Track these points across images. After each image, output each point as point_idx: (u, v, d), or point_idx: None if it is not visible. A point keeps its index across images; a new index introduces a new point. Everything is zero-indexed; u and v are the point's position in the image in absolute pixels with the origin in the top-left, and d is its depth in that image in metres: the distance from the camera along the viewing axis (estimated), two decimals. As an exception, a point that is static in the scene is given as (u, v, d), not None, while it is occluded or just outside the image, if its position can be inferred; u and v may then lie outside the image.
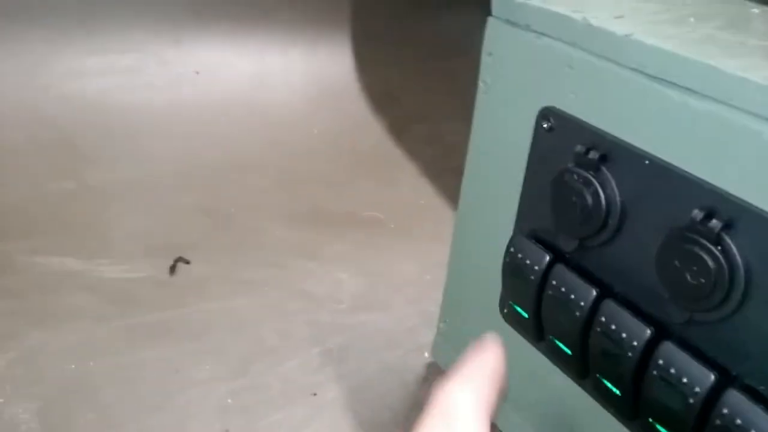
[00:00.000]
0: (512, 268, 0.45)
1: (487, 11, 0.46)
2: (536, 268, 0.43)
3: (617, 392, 0.39)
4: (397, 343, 0.62)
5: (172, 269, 0.67)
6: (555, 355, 0.44)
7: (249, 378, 0.56)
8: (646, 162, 0.37)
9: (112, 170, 0.78)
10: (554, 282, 0.42)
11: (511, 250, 0.45)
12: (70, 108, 0.80)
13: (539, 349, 0.46)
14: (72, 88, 0.81)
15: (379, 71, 0.94)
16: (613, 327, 0.38)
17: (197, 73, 0.86)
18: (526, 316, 0.46)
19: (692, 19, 0.42)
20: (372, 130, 0.90)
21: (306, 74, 0.92)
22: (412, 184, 0.83)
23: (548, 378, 0.46)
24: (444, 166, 0.85)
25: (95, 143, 0.79)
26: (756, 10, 0.46)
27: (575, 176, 0.40)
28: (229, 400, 0.54)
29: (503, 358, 0.31)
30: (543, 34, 0.42)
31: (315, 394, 0.56)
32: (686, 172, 0.35)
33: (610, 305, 0.39)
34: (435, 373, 0.59)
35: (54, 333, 0.58)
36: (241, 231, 0.75)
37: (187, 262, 0.68)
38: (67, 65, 0.83)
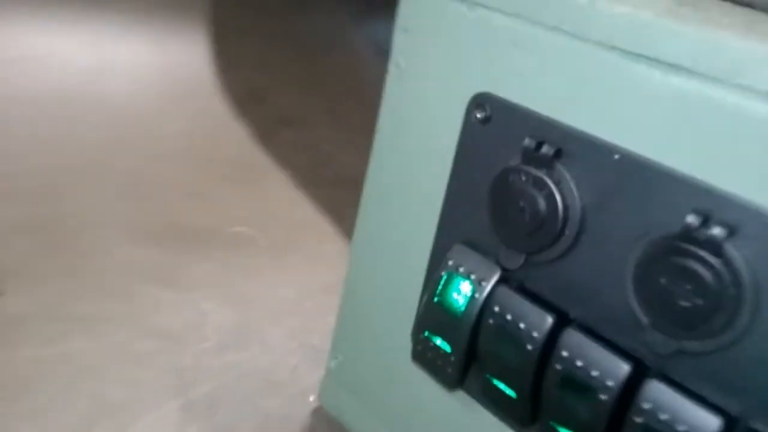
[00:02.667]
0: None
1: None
2: (471, 291, 0.35)
3: (581, 445, 0.31)
4: (277, 387, 0.51)
5: (-19, 305, 0.52)
6: (490, 399, 0.36)
7: (89, 445, 0.44)
8: (616, 157, 0.30)
9: None
10: (496, 308, 0.34)
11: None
12: None
13: (467, 392, 0.38)
14: None
15: (241, 70, 0.84)
16: (579, 363, 0.31)
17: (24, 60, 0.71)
18: (448, 350, 0.37)
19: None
20: (235, 133, 0.78)
21: (154, 66, 0.79)
22: (284, 196, 0.73)
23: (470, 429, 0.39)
24: (320, 176, 0.76)
25: None
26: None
27: (523, 176, 0.33)
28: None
29: None
30: (477, 3, 0.35)
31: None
32: (671, 168, 0.28)
33: (573, 335, 0.31)
34: (323, 420, 0.50)
35: None
36: (75, 252, 0.61)
37: None
38: None
